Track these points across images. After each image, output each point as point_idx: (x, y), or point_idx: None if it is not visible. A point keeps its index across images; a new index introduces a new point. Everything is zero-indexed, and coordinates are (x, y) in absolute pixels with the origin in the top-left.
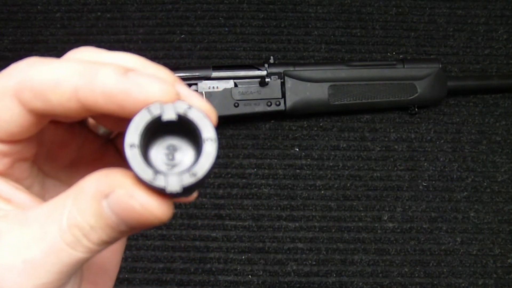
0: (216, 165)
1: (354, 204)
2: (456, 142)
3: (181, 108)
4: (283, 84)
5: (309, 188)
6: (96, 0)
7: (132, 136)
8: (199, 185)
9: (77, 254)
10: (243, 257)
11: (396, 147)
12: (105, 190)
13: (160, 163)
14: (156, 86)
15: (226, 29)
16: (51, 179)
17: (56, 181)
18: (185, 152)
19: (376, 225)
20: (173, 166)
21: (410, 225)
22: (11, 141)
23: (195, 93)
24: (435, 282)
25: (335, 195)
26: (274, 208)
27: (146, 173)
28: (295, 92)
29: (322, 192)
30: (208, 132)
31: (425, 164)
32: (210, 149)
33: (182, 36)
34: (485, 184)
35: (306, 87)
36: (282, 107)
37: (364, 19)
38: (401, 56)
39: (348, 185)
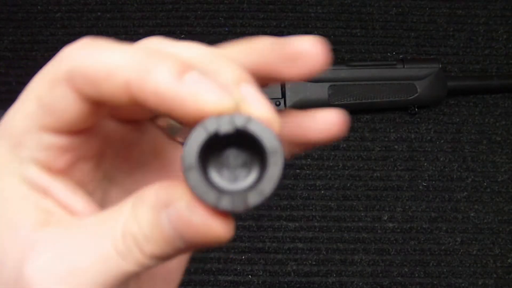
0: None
1: (354, 204)
2: (456, 142)
3: (240, 121)
4: (283, 84)
5: (309, 188)
6: (96, 0)
7: (189, 157)
8: (265, 202)
9: (126, 266)
10: (243, 257)
11: (396, 147)
12: (166, 201)
13: (221, 179)
14: (212, 96)
15: (226, 29)
16: (116, 188)
17: (121, 190)
18: (248, 165)
19: (376, 225)
20: (235, 180)
21: (410, 225)
22: (70, 132)
23: (260, 98)
24: (435, 282)
25: (335, 195)
26: (274, 208)
27: (209, 196)
28: (295, 92)
29: (322, 192)
30: (272, 144)
31: (425, 164)
32: (275, 163)
33: (182, 36)
34: (485, 184)
35: (306, 87)
36: (282, 107)
37: (364, 19)
38: (401, 56)
39: (348, 185)
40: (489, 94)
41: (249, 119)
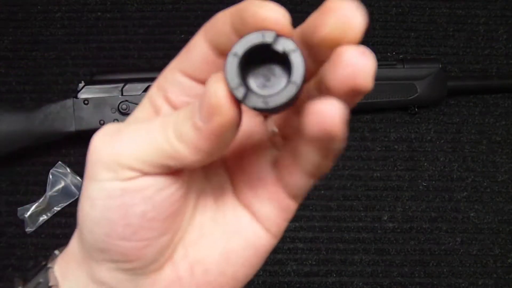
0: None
1: (354, 204)
2: (456, 142)
3: (289, 47)
4: None
5: None
6: (96, 0)
7: (239, 47)
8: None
9: (161, 140)
10: None
11: (396, 147)
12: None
13: (255, 84)
14: (284, 16)
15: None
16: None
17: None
18: (278, 77)
19: (376, 225)
20: (264, 87)
21: (410, 225)
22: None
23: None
24: (435, 282)
25: (335, 195)
26: None
27: (233, 81)
28: None
29: (322, 192)
30: (297, 75)
31: (425, 164)
32: (295, 79)
33: (182, 36)
34: (485, 184)
35: None
36: None
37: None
38: (401, 56)
39: (348, 185)
40: (489, 94)
41: (295, 50)
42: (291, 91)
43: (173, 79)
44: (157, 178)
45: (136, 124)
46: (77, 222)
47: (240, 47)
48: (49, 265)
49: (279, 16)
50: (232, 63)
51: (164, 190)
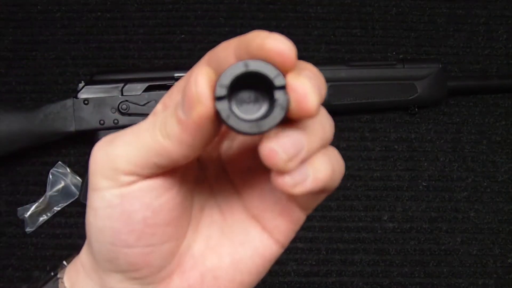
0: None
1: (354, 204)
2: (456, 142)
3: (281, 83)
4: None
5: None
6: (96, 0)
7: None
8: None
9: (148, 138)
10: None
11: (396, 147)
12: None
13: (239, 111)
14: (290, 48)
15: (226, 29)
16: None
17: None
18: (259, 102)
19: (376, 225)
20: (247, 113)
21: (410, 225)
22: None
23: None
24: (435, 282)
25: (335, 195)
26: None
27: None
28: None
29: None
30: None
31: (425, 164)
32: (280, 104)
33: (182, 36)
34: (485, 184)
35: None
36: None
37: (364, 19)
38: (401, 56)
39: (348, 185)
40: (489, 94)
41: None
42: (281, 114)
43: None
44: (153, 181)
45: (129, 128)
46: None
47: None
48: (58, 276)
49: (286, 48)
50: (232, 70)
51: (162, 195)
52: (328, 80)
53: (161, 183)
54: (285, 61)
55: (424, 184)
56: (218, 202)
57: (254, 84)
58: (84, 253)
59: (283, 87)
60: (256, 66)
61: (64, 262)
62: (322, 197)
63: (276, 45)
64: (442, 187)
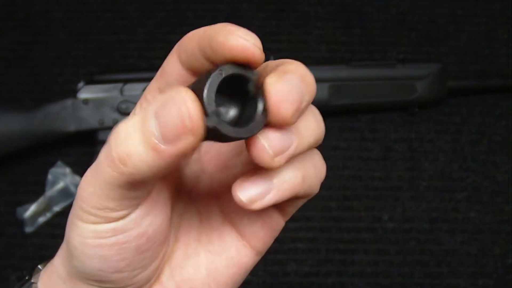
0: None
1: (354, 204)
2: (456, 142)
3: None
4: None
5: None
6: (96, 0)
7: (220, 75)
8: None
9: (106, 169)
10: None
11: (396, 147)
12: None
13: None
14: (254, 44)
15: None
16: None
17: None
18: (227, 105)
19: (376, 225)
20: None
21: (410, 225)
22: None
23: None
24: (435, 282)
25: (335, 195)
26: None
27: (210, 106)
28: None
29: (322, 192)
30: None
31: (425, 164)
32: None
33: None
34: (485, 184)
35: None
36: None
37: (364, 19)
38: (401, 56)
39: (348, 185)
40: (489, 94)
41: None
42: (263, 120)
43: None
44: (145, 206)
45: (95, 163)
46: (64, 243)
47: (218, 78)
48: (33, 280)
49: (248, 45)
50: (212, 85)
51: (156, 218)
52: (328, 80)
53: (155, 204)
54: (249, 58)
55: (424, 184)
56: (197, 207)
57: (226, 87)
58: (59, 261)
59: (259, 89)
60: (232, 70)
61: (40, 266)
62: (300, 202)
63: (238, 43)
64: (442, 187)
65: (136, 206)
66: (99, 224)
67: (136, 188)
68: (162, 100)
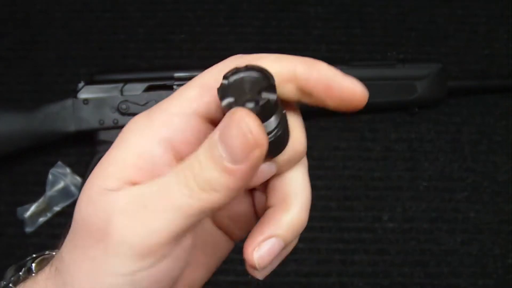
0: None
1: (354, 204)
2: (456, 142)
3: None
4: None
5: None
6: (96, 0)
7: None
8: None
9: (184, 201)
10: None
11: (396, 147)
12: (219, 135)
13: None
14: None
15: (226, 29)
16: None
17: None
18: None
19: (376, 225)
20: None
21: (410, 225)
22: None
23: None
24: (435, 282)
25: (335, 195)
26: None
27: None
28: None
29: (322, 192)
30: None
31: (425, 164)
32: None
33: (182, 36)
34: (485, 184)
35: None
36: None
37: (364, 19)
38: (401, 56)
39: (348, 185)
40: (489, 94)
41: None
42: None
43: (190, 127)
44: (181, 246)
45: (147, 199)
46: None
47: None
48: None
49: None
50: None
51: (187, 255)
52: None
53: (190, 242)
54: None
55: (424, 184)
56: None
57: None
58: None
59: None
60: (273, 95)
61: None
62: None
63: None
64: (442, 187)
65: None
66: (135, 273)
67: (207, 216)
68: (222, 125)
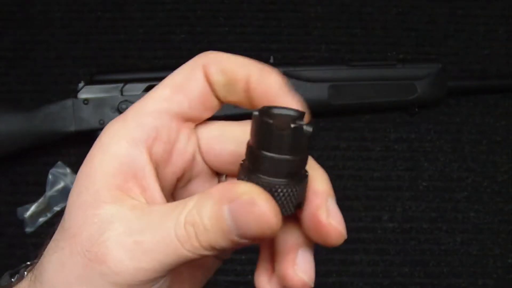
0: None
1: (354, 204)
2: (456, 142)
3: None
4: None
5: None
6: (96, 0)
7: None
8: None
9: (183, 251)
10: (243, 257)
11: (396, 147)
12: (231, 196)
13: None
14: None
15: (226, 29)
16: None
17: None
18: None
19: (376, 225)
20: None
21: (410, 225)
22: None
23: None
24: (435, 282)
25: (335, 195)
26: None
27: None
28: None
29: None
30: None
31: (425, 164)
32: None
33: (182, 36)
34: (485, 184)
35: (306, 87)
36: None
37: (364, 19)
38: (401, 56)
39: (348, 185)
40: (489, 94)
41: None
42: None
43: (163, 126)
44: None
45: (145, 237)
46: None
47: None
48: None
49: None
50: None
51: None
52: (328, 80)
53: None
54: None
55: (424, 184)
56: None
57: None
58: None
59: None
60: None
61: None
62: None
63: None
64: (442, 187)
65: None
66: None
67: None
68: (234, 196)
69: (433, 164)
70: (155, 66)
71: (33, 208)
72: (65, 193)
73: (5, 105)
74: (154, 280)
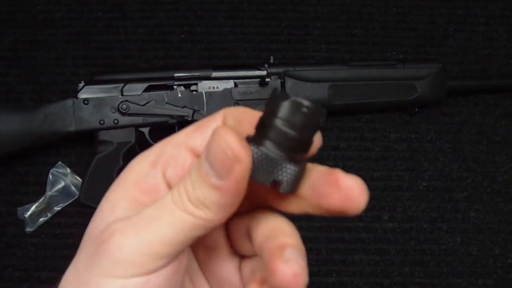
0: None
1: None
2: (456, 142)
3: None
4: (283, 84)
5: None
6: (96, 0)
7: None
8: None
9: (178, 213)
10: None
11: (396, 147)
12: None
13: None
14: None
15: (226, 29)
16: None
17: None
18: None
19: (376, 225)
20: None
21: (410, 225)
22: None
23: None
24: (435, 282)
25: None
26: None
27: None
28: (295, 92)
29: None
30: None
31: (425, 164)
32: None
33: (182, 36)
34: (485, 184)
35: (306, 87)
36: None
37: (364, 19)
38: (401, 56)
39: None
40: (489, 94)
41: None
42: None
43: (178, 155)
44: (179, 261)
45: (146, 212)
46: None
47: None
48: None
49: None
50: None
51: (179, 277)
52: (328, 80)
53: (183, 259)
54: None
55: (424, 184)
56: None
57: None
58: None
59: None
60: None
61: None
62: None
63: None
64: (442, 187)
65: (176, 257)
66: (131, 278)
67: (200, 233)
68: (208, 144)
69: (433, 164)
70: (155, 66)
71: (33, 208)
72: (65, 193)
73: (5, 105)
74: (158, 257)
